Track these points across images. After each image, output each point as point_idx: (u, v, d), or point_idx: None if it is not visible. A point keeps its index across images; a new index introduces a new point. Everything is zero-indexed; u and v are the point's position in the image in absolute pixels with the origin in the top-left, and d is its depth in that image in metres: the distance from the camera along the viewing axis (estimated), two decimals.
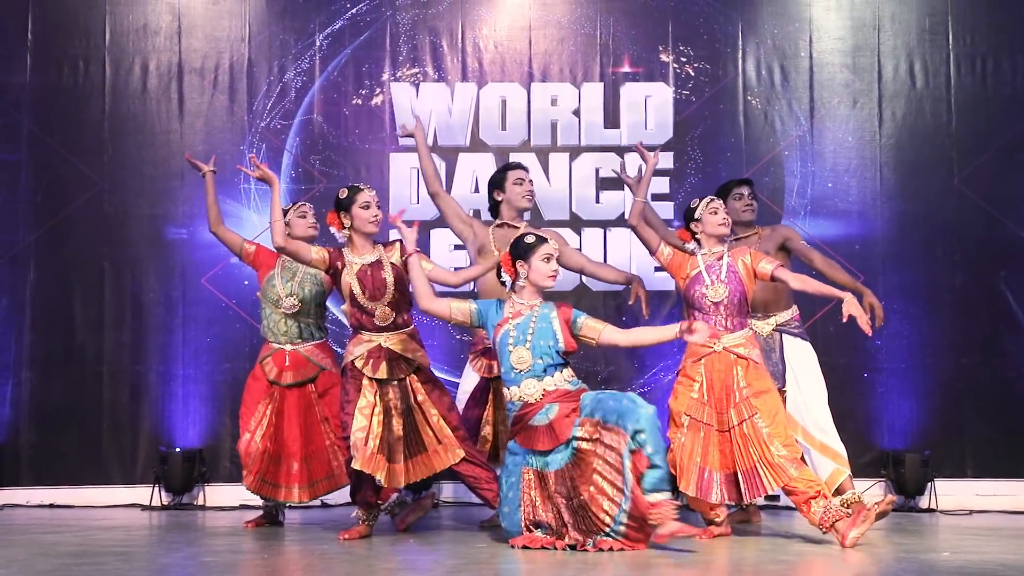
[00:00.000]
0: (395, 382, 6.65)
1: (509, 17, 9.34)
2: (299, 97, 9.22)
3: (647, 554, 5.70)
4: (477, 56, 9.31)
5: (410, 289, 6.72)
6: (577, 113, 9.26)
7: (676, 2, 9.29)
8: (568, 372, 6.22)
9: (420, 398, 6.68)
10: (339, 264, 6.68)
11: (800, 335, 7.44)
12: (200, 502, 8.66)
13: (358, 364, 6.59)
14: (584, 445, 5.89)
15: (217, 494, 8.66)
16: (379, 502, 6.72)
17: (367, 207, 6.63)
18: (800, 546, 6.31)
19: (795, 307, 7.49)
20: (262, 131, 9.09)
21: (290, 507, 7.69)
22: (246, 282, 8.80)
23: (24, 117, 9.04)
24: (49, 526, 7.54)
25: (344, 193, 6.67)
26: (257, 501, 7.96)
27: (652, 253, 6.96)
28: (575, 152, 9.16)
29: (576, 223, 8.97)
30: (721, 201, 6.91)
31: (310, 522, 7.62)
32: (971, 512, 8.33)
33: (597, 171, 9.10)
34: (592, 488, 5.83)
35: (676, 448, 6.47)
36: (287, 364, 7.18)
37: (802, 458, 6.54)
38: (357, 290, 6.62)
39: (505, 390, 6.28)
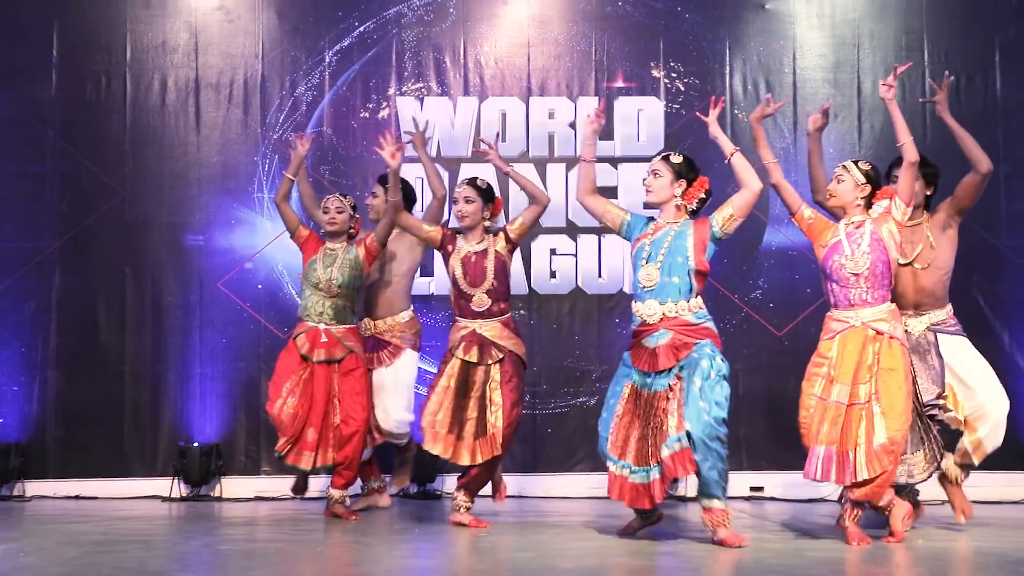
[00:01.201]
0: (482, 366, 6.70)
1: (509, 35, 9.39)
2: (310, 110, 9.25)
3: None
4: (478, 72, 9.36)
5: (508, 280, 6.93)
6: (573, 126, 9.29)
7: (667, 21, 9.34)
8: (696, 302, 6.01)
9: (495, 388, 6.68)
10: (449, 247, 6.87)
11: (957, 332, 6.66)
12: (217, 494, 8.67)
13: (454, 350, 6.75)
14: (671, 391, 5.87)
15: (233, 486, 8.70)
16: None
17: (456, 202, 6.91)
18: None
19: (950, 305, 6.75)
20: (275, 143, 9.12)
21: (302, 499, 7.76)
22: (259, 286, 8.96)
23: (50, 130, 9.07)
24: (74, 516, 7.56)
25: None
26: (269, 492, 8.07)
27: (792, 215, 6.36)
28: (571, 163, 9.13)
29: (572, 230, 9.04)
30: (838, 168, 6.35)
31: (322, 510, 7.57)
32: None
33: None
34: (666, 422, 5.81)
35: (804, 431, 6.08)
36: (320, 342, 7.21)
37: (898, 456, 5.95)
38: (459, 274, 6.77)
39: (633, 304, 6.19)
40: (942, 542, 6.29)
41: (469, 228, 6.86)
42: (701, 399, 5.72)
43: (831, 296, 6.14)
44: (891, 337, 5.96)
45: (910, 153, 6.04)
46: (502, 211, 7.05)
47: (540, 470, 8.52)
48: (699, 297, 6.02)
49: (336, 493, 7.11)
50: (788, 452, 8.49)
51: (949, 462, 6.38)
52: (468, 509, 6.69)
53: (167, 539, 6.54)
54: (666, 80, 9.32)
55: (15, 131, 9.07)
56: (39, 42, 9.12)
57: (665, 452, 5.71)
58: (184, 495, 8.65)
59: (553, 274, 9.09)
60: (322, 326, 7.25)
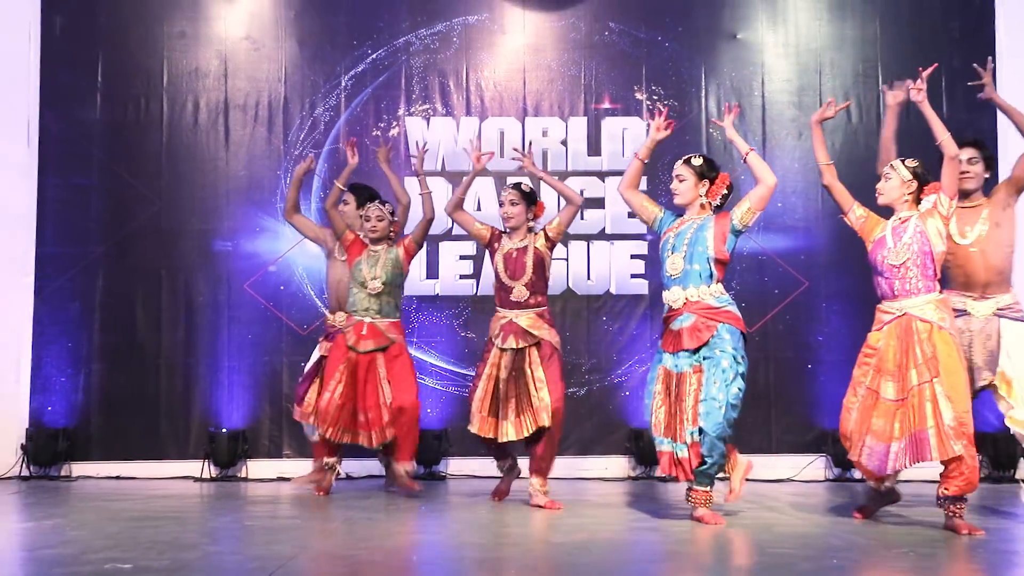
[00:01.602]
0: (515, 350, 6.70)
1: (506, 61, 9.43)
2: (327, 129, 9.28)
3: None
4: (479, 94, 9.40)
5: (547, 274, 6.95)
6: (564, 143, 9.31)
7: (648, 49, 9.37)
8: (718, 287, 6.00)
9: (533, 365, 6.64)
10: (495, 245, 6.94)
11: (1020, 318, 6.04)
12: (243, 475, 8.72)
13: (494, 338, 6.78)
14: (693, 374, 5.85)
15: (258, 468, 8.74)
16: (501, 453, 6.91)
17: (501, 204, 6.95)
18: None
19: (1015, 290, 6.20)
20: (295, 158, 9.11)
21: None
22: (282, 287, 9.01)
23: (95, 148, 9.11)
24: (115, 495, 7.58)
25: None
26: (290, 473, 8.11)
27: (844, 213, 6.16)
28: (563, 176, 9.10)
29: (564, 238, 8.81)
30: (886, 168, 6.10)
31: (341, 490, 7.62)
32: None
33: (581, 192, 9.05)
34: (681, 405, 5.80)
35: (846, 415, 5.86)
36: (364, 333, 7.22)
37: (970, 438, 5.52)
38: (501, 268, 6.82)
39: (663, 294, 6.16)
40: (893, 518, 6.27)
41: (514, 228, 6.90)
42: (718, 398, 5.71)
43: (879, 289, 5.90)
44: (939, 327, 5.61)
45: (950, 148, 5.74)
46: (544, 211, 7.09)
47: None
48: (720, 283, 6.02)
49: (400, 468, 7.09)
50: (757, 436, 8.61)
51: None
52: (545, 493, 6.63)
53: (198, 515, 6.58)
54: (648, 102, 9.32)
55: (64, 148, 9.11)
56: (86, 69, 9.17)
57: (681, 453, 5.76)
58: (213, 476, 8.69)
59: None
60: (367, 320, 7.27)
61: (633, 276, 9.11)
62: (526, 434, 6.57)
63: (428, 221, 7.39)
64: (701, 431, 5.68)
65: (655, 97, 9.30)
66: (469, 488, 8.03)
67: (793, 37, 9.46)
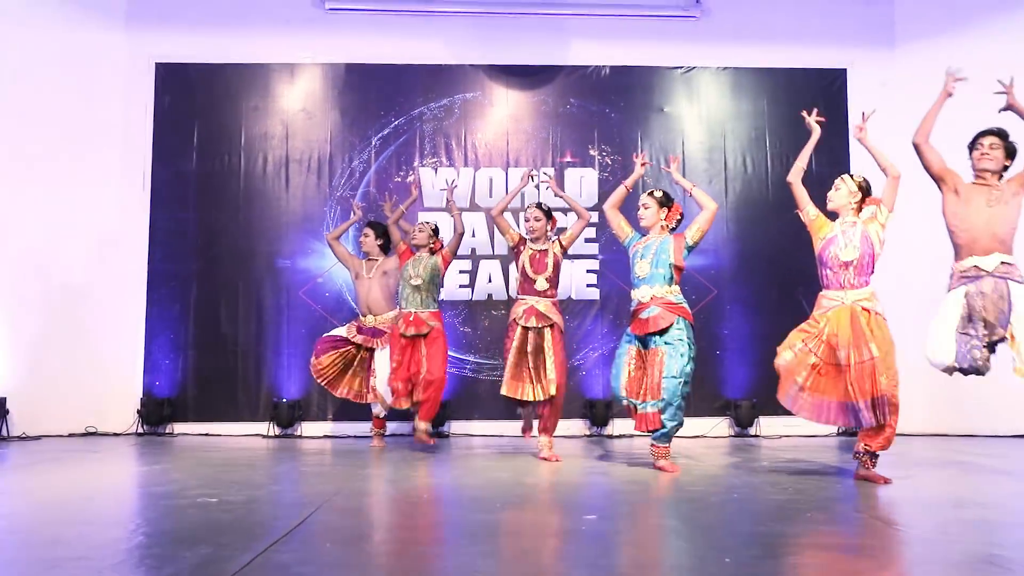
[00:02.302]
0: (537, 329, 6.57)
1: (494, 127, 9.45)
2: (361, 177, 9.27)
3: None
4: (474, 151, 9.41)
5: (559, 274, 6.84)
6: (537, 187, 9.12)
7: (600, 119, 9.41)
8: (675, 288, 5.92)
9: (548, 345, 6.54)
10: (521, 247, 6.80)
11: (1020, 281, 5.23)
12: (299, 433, 8.74)
13: (517, 319, 6.61)
14: (655, 360, 5.76)
15: (309, 428, 8.77)
16: (525, 404, 6.63)
17: (527, 220, 6.82)
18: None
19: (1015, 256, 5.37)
20: (337, 198, 9.16)
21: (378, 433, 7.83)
22: (327, 294, 9.01)
23: (191, 191, 9.11)
24: (205, 447, 7.60)
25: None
26: (336, 433, 8.15)
27: (800, 209, 5.68)
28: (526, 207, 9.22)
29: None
30: (837, 180, 5.64)
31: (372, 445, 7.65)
32: (781, 436, 8.55)
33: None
34: (650, 380, 5.73)
35: (782, 364, 5.39)
36: (411, 321, 7.25)
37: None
38: (527, 264, 6.69)
39: (632, 292, 6.03)
40: (778, 462, 6.30)
41: (536, 238, 6.77)
42: (675, 375, 5.66)
43: (824, 279, 5.49)
44: (876, 313, 5.30)
45: (892, 171, 5.44)
46: (556, 224, 7.01)
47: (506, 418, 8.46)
48: (677, 285, 5.94)
49: (421, 424, 7.12)
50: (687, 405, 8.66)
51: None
52: (551, 447, 6.52)
53: (266, 463, 6.58)
54: (599, 157, 9.35)
55: (170, 191, 9.12)
56: (186, 133, 9.17)
57: (645, 408, 5.73)
58: (276, 434, 8.70)
59: (499, 287, 9.20)
60: (412, 310, 7.29)
61: (588, 285, 9.17)
62: (540, 399, 6.48)
63: (460, 235, 7.47)
64: (664, 403, 5.65)
65: (604, 153, 9.35)
66: (466, 444, 8.03)
67: (704, 111, 9.52)
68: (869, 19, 9.67)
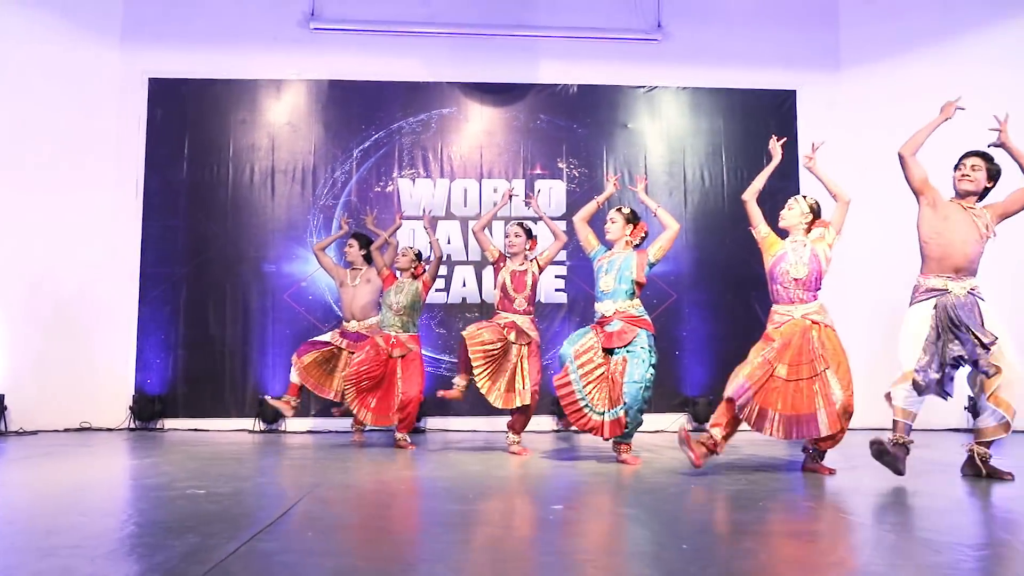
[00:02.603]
0: (517, 344, 6.51)
1: (468, 140, 9.47)
2: (342, 187, 9.27)
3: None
4: (449, 163, 9.42)
5: (536, 292, 6.77)
6: (510, 197, 9.29)
7: (567, 133, 9.46)
8: (636, 302, 5.84)
9: (524, 361, 6.50)
10: (501, 264, 6.75)
11: (982, 298, 4.98)
12: (283, 429, 8.73)
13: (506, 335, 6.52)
14: (617, 368, 5.65)
15: (293, 424, 8.73)
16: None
17: (507, 236, 6.76)
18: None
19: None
20: (320, 207, 9.16)
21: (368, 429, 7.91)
22: (310, 297, 9.03)
23: (181, 198, 9.09)
24: (193, 442, 7.58)
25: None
26: (317, 428, 8.12)
27: (752, 226, 5.55)
28: (507, 220, 9.14)
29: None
30: (791, 200, 5.54)
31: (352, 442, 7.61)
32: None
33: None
34: (613, 386, 5.63)
35: (738, 369, 5.20)
36: (393, 343, 7.09)
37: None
38: (508, 283, 6.63)
39: (595, 304, 5.94)
40: (731, 455, 6.36)
41: (515, 255, 6.73)
42: (637, 380, 5.59)
43: (775, 294, 5.38)
44: (826, 325, 5.23)
45: (843, 197, 5.38)
46: (537, 246, 6.94)
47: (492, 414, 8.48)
48: (638, 299, 5.87)
49: (399, 435, 7.00)
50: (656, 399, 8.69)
51: (975, 446, 4.98)
52: (518, 443, 6.53)
53: (251, 456, 6.55)
54: (567, 170, 9.39)
55: (161, 199, 9.09)
56: (177, 144, 9.16)
57: (609, 417, 5.63)
58: (261, 429, 8.70)
59: (473, 291, 9.05)
60: (393, 333, 7.14)
61: (556, 290, 9.20)
62: (511, 407, 6.46)
63: (438, 260, 7.38)
64: (626, 407, 5.59)
65: (572, 166, 9.40)
66: (442, 439, 8.04)
67: (665, 127, 9.59)
68: (816, 45, 9.79)
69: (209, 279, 9.04)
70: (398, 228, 7.99)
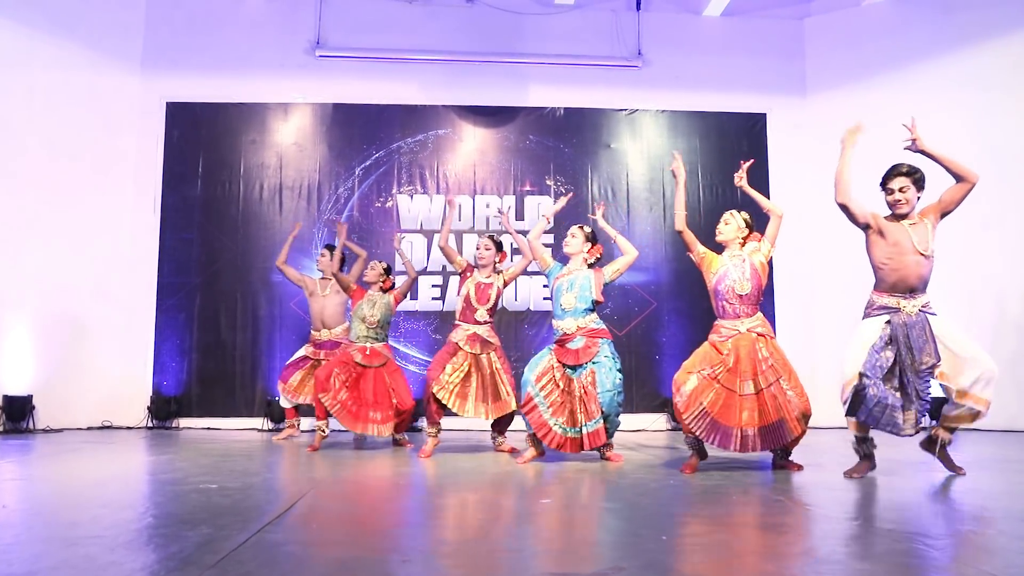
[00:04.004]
0: (483, 355, 6.31)
1: (463, 159, 9.51)
2: (345, 202, 9.32)
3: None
4: (445, 180, 9.47)
5: (499, 305, 6.56)
6: (500, 211, 9.29)
7: (555, 152, 9.52)
8: (594, 316, 5.67)
9: (497, 367, 6.32)
10: (467, 274, 6.49)
11: (934, 313, 4.73)
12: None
13: (460, 343, 6.29)
14: (587, 380, 5.48)
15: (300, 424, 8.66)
16: (439, 423, 6.30)
17: (478, 248, 6.52)
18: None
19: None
20: (324, 221, 9.20)
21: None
22: None
23: (195, 213, 9.15)
24: (206, 440, 7.58)
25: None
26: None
27: (690, 251, 5.37)
28: (499, 233, 9.19)
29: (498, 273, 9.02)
30: (726, 214, 5.40)
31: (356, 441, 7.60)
32: None
33: (511, 244, 9.11)
34: (587, 399, 5.45)
35: (684, 380, 5.04)
36: (368, 354, 6.80)
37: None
38: (472, 295, 6.37)
39: (554, 322, 5.77)
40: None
41: (483, 266, 6.49)
42: (609, 389, 5.48)
43: (720, 310, 5.23)
44: (770, 338, 5.12)
45: (776, 211, 5.25)
46: (506, 259, 6.71)
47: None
48: (595, 313, 5.70)
49: (397, 436, 6.89)
50: (625, 404, 8.70)
51: (939, 429, 4.81)
52: (503, 442, 6.48)
53: (261, 453, 6.54)
54: (555, 186, 9.45)
55: (177, 214, 9.15)
56: (192, 163, 9.24)
57: (587, 430, 5.47)
58: (270, 428, 8.71)
59: None
60: (368, 344, 6.86)
61: (545, 298, 9.21)
62: (494, 418, 6.31)
63: (412, 280, 7.14)
64: (604, 415, 5.50)
65: (559, 183, 9.45)
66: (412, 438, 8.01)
67: (646, 147, 9.65)
68: (785, 71, 9.87)
69: (221, 288, 9.06)
70: (364, 259, 7.68)
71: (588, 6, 9.87)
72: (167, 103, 9.30)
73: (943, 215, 4.84)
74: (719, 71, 9.81)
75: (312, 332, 7.80)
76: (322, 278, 7.83)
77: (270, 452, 6.64)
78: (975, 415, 4.66)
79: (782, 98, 9.78)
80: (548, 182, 9.46)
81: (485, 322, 6.40)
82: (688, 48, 9.88)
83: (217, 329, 8.99)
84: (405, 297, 7.26)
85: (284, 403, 7.68)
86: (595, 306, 5.76)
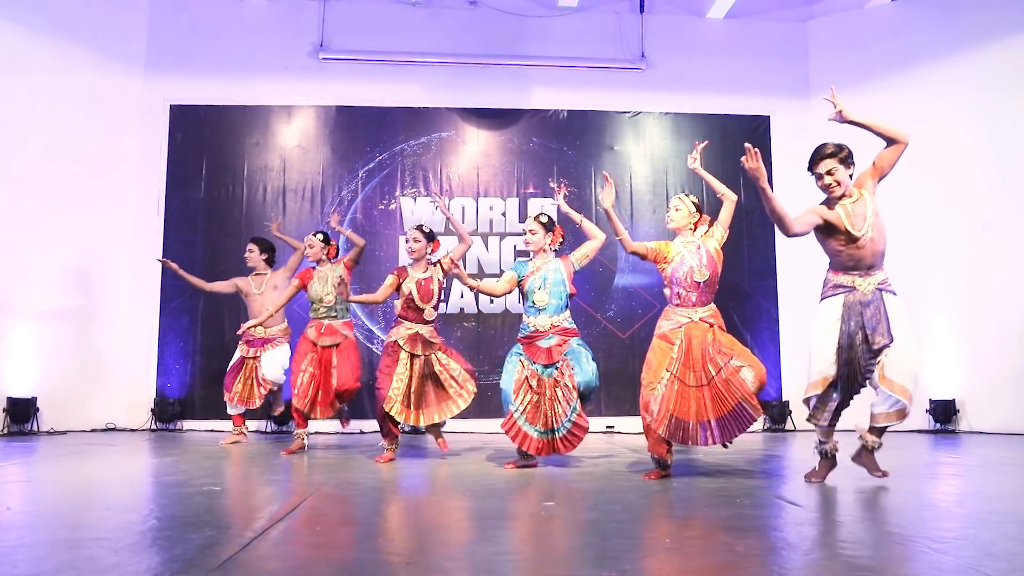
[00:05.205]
0: (423, 356, 5.99)
1: (466, 161, 9.51)
2: (349, 204, 9.32)
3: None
4: (448, 183, 9.48)
5: (441, 298, 6.26)
6: (504, 214, 9.42)
7: (558, 154, 9.52)
8: (567, 314, 5.54)
9: (439, 366, 5.99)
10: (403, 276, 6.06)
11: (892, 291, 4.53)
12: (292, 431, 8.59)
13: (401, 343, 5.98)
14: (561, 374, 5.37)
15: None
16: (397, 436, 6.04)
17: (408, 241, 6.12)
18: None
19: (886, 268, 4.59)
20: (327, 224, 9.16)
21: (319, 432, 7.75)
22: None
23: (199, 215, 9.16)
24: (209, 441, 7.61)
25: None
26: (320, 429, 8.10)
27: (646, 258, 5.16)
28: (503, 236, 9.31)
29: (480, 275, 9.09)
30: (675, 200, 5.29)
31: (354, 442, 7.57)
32: None
33: (514, 246, 9.19)
34: (559, 396, 5.35)
35: (651, 397, 4.89)
36: (322, 332, 6.72)
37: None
38: (414, 293, 5.98)
39: (525, 318, 5.58)
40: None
41: (417, 260, 6.11)
42: (587, 367, 5.36)
43: (675, 298, 5.08)
44: (720, 327, 4.99)
45: (729, 196, 5.17)
46: (440, 248, 6.32)
47: (485, 416, 8.46)
48: (568, 311, 5.59)
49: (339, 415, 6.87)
50: (625, 404, 8.71)
51: (866, 433, 4.65)
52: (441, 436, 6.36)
53: (263, 454, 6.55)
54: (557, 189, 9.39)
55: (180, 216, 9.16)
56: (195, 165, 9.25)
57: (560, 433, 5.37)
58: (273, 431, 8.73)
59: (471, 302, 9.19)
60: (326, 321, 6.75)
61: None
62: (449, 416, 6.04)
63: (360, 248, 6.95)
64: (582, 397, 5.39)
65: (562, 186, 9.39)
66: (416, 440, 7.99)
67: (649, 149, 9.65)
68: (788, 73, 9.87)
69: None
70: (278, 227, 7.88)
71: (591, 8, 9.87)
72: (171, 106, 9.31)
73: (880, 179, 4.64)
74: (723, 73, 9.81)
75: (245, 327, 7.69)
76: (256, 274, 7.60)
77: (273, 454, 6.64)
78: (902, 412, 4.47)
79: (786, 100, 9.78)
80: (551, 184, 9.35)
81: (431, 321, 6.13)
82: (691, 50, 9.89)
83: (220, 331, 8.96)
84: (356, 264, 7.04)
85: (231, 410, 7.49)
86: (568, 300, 5.63)
